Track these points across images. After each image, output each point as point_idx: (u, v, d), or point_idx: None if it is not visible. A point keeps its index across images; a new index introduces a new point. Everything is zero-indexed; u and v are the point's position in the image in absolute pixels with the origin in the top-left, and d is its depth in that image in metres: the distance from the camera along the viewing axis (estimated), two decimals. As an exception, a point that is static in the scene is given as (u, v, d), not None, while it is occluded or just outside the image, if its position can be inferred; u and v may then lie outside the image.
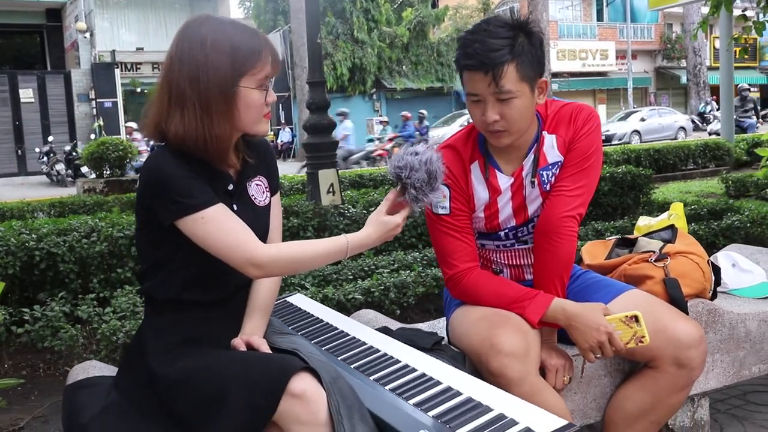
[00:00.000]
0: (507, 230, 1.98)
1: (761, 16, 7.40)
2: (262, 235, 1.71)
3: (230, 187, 1.67)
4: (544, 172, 1.92)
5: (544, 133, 1.92)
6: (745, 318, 2.18)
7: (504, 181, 1.94)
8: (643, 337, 1.74)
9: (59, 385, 3.30)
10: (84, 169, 14.54)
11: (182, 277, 1.62)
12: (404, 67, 27.20)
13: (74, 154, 17.11)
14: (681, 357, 1.81)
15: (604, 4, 32.62)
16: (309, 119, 5.31)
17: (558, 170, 1.91)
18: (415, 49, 27.12)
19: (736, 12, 8.58)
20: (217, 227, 1.54)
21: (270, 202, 1.79)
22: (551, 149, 1.92)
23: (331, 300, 3.51)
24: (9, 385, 2.84)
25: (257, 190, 1.75)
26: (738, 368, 2.19)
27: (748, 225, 5.03)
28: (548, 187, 1.92)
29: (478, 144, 1.96)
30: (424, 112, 20.51)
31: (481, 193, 1.95)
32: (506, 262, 2.04)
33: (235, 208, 1.66)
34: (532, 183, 1.92)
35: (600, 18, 32.59)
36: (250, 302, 1.73)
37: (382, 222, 1.65)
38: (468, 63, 1.79)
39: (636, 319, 1.74)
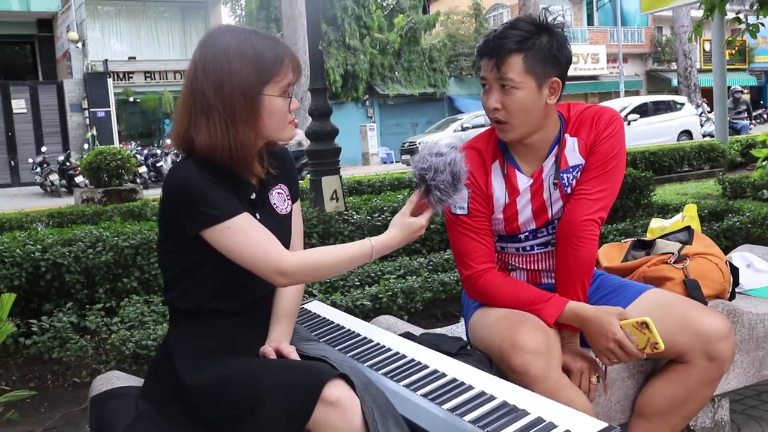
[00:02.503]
0: (527, 233, 1.98)
1: (754, 18, 7.44)
2: (285, 243, 1.70)
3: (253, 196, 1.66)
4: (565, 175, 1.92)
5: (566, 135, 1.93)
6: (763, 318, 2.19)
7: (523, 181, 1.94)
8: (656, 343, 1.68)
9: (69, 397, 3.27)
10: (78, 179, 14.46)
11: (208, 286, 1.61)
12: (396, 73, 27.17)
13: (68, 164, 17.00)
14: (711, 350, 1.80)
15: (595, 8, 32.74)
16: (311, 126, 5.32)
17: (579, 173, 1.91)
18: (407, 55, 27.11)
19: (730, 15, 8.62)
20: (244, 237, 1.53)
21: (291, 210, 1.78)
22: (573, 152, 1.92)
23: (340, 307, 3.50)
24: (21, 397, 2.82)
25: (279, 198, 1.74)
26: (758, 368, 2.19)
27: (749, 226, 5.04)
28: (569, 190, 1.92)
29: (499, 143, 1.97)
30: None
31: (500, 194, 1.95)
32: (524, 266, 2.03)
33: (258, 217, 1.64)
34: (554, 185, 1.92)
35: (590, 22, 32.70)
36: (275, 309, 1.72)
37: (406, 224, 1.65)
38: (480, 49, 1.89)
39: (646, 325, 1.68)
